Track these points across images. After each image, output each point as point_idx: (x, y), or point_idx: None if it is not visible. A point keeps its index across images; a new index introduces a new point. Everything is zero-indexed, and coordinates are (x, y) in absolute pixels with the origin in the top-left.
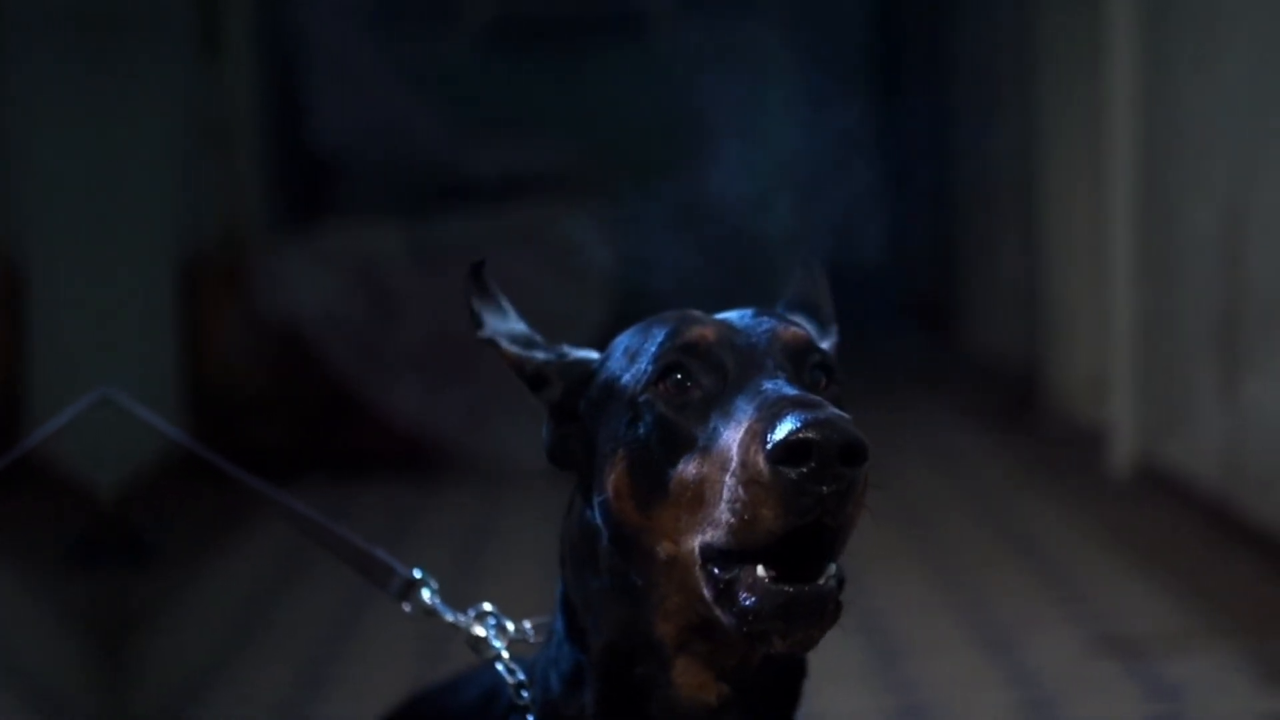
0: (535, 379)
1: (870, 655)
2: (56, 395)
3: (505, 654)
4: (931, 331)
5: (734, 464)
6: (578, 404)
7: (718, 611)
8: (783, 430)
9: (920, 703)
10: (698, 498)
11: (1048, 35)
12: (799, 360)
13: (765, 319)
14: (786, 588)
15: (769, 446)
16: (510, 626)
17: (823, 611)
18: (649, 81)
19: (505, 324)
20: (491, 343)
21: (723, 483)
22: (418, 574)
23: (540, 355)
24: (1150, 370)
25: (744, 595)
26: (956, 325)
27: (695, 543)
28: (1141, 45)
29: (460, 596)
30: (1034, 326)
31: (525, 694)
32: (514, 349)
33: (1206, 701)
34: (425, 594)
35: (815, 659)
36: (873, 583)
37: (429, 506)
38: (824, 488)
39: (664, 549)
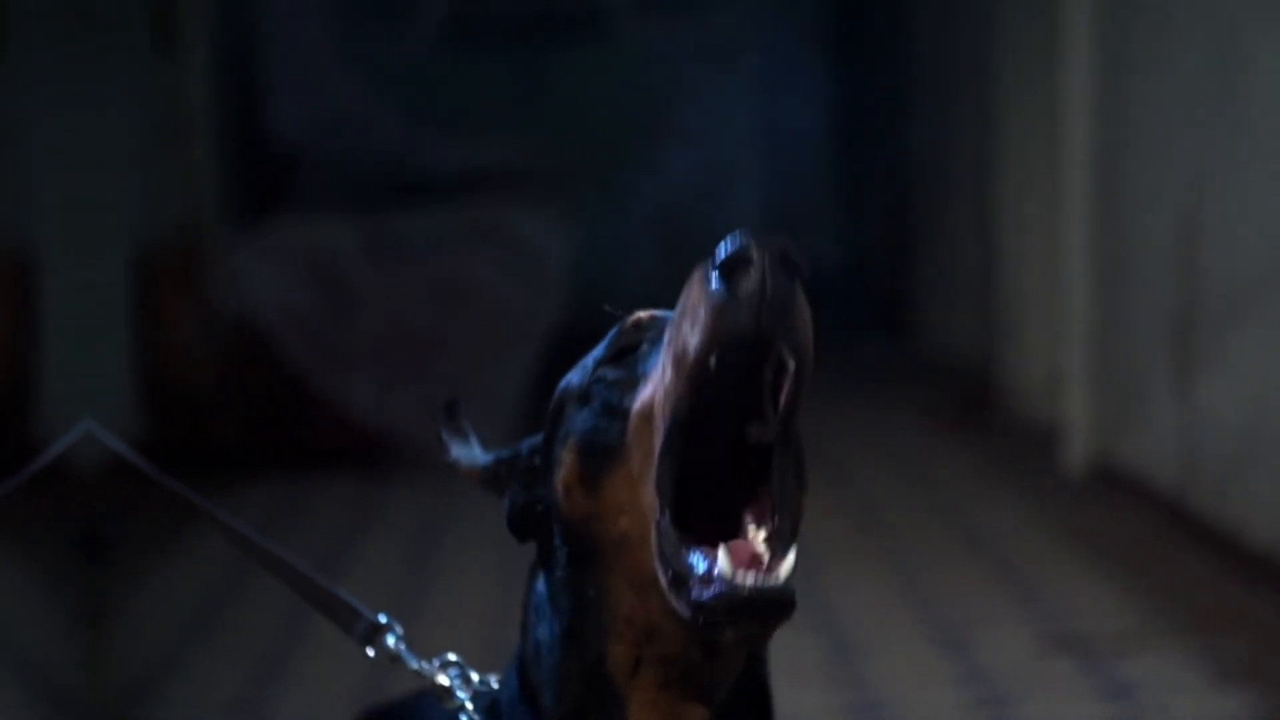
0: (493, 478)
1: (824, 652)
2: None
3: (469, 705)
4: (887, 330)
5: (668, 336)
6: (530, 465)
7: (671, 599)
8: (722, 250)
9: (873, 700)
10: (645, 418)
11: (1004, 36)
12: None
13: None
14: (741, 588)
15: (711, 272)
16: (475, 677)
17: (779, 613)
18: (607, 79)
19: (465, 448)
20: (455, 464)
21: (665, 373)
22: (383, 619)
23: (490, 458)
24: (1105, 369)
25: (698, 590)
26: (912, 324)
27: (650, 496)
28: (1097, 47)
29: (415, 592)
30: (989, 325)
31: None
32: (472, 464)
33: (1160, 700)
34: (390, 640)
35: (769, 654)
36: (827, 580)
37: (384, 502)
38: (769, 290)
39: (618, 526)
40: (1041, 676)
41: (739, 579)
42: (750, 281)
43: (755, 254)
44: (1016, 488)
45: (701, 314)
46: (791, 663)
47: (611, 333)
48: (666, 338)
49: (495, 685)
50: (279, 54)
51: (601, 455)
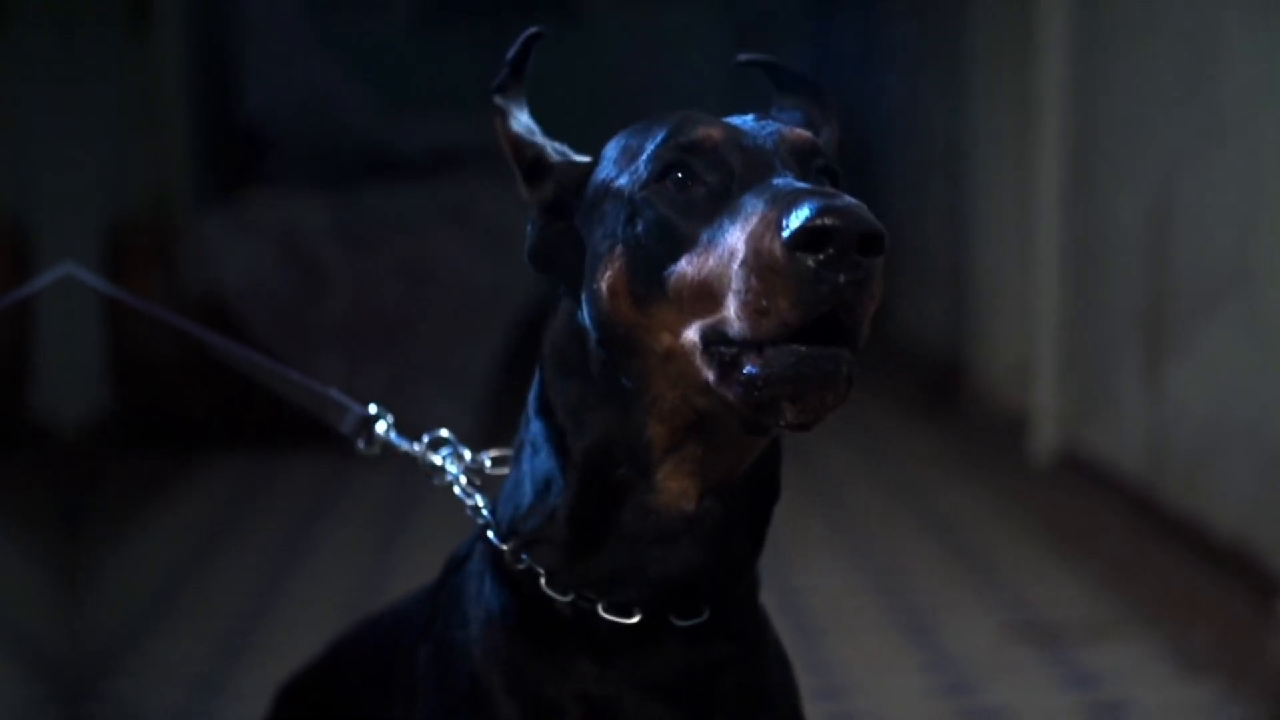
0: (533, 167)
1: (788, 635)
2: None
3: (462, 479)
4: None
5: (745, 253)
6: (570, 204)
7: (721, 391)
8: (801, 216)
9: (837, 684)
10: (702, 293)
11: (979, 25)
12: (805, 163)
13: (770, 122)
14: (798, 346)
15: (786, 233)
16: (467, 454)
17: (837, 375)
18: (579, 60)
19: (519, 108)
20: (500, 111)
21: (730, 274)
22: (372, 409)
23: (541, 140)
24: (1074, 358)
25: (750, 366)
26: (882, 311)
27: (696, 332)
28: (1072, 37)
29: (383, 568)
30: (959, 313)
31: (485, 513)
32: (518, 128)
33: (1124, 689)
34: (380, 427)
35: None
36: (792, 564)
37: (352, 479)
38: (842, 276)
39: (661, 341)
40: (1006, 664)
41: (792, 348)
42: (835, 264)
43: (839, 230)
44: (984, 476)
45: (784, 283)
46: None
47: (663, 131)
48: (738, 244)
49: (489, 462)
50: (252, 33)
51: (650, 283)
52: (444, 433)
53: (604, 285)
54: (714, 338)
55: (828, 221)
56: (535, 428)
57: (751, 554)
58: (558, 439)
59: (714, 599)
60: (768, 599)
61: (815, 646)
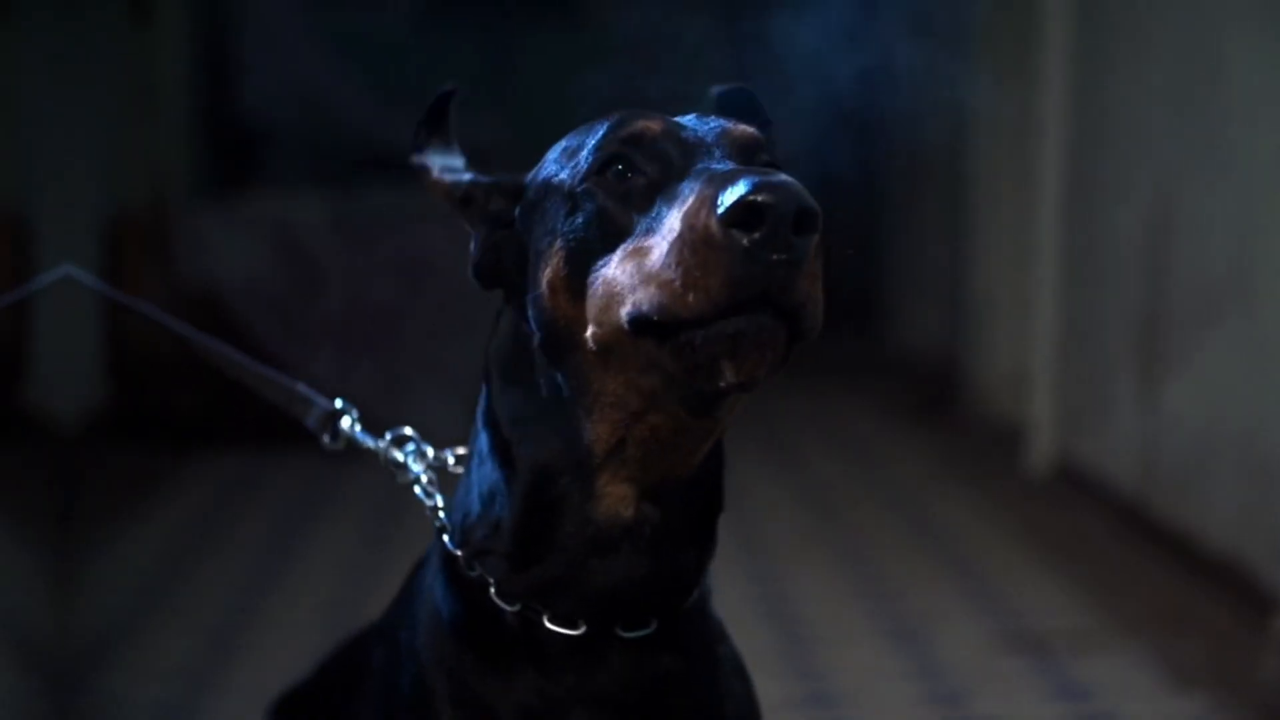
0: (464, 200)
1: (780, 643)
2: None
3: (424, 478)
4: (853, 324)
5: (680, 229)
6: (511, 212)
7: (662, 358)
8: (735, 192)
9: (828, 691)
10: (631, 268)
11: (980, 34)
12: (748, 157)
13: (712, 119)
14: (737, 316)
15: (720, 209)
16: (430, 452)
17: (773, 333)
18: (580, 60)
19: (444, 157)
20: (422, 168)
21: (665, 254)
22: (339, 404)
23: (469, 177)
24: (1070, 370)
25: (688, 334)
26: (879, 319)
27: (623, 313)
28: (1073, 48)
29: (375, 567)
30: (956, 322)
31: (443, 516)
32: (444, 176)
33: (1113, 701)
34: (345, 422)
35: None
36: (785, 571)
37: (345, 477)
38: (774, 255)
39: (599, 329)
40: (996, 674)
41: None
42: (768, 243)
43: (773, 206)
44: (978, 485)
45: (716, 258)
46: (746, 652)
47: (604, 127)
48: (675, 223)
49: (451, 459)
50: (252, 28)
51: (588, 274)
52: (407, 430)
53: (545, 282)
54: (640, 326)
55: (761, 198)
56: (482, 439)
57: (697, 565)
58: (502, 451)
59: (660, 610)
60: (757, 607)
61: (806, 654)
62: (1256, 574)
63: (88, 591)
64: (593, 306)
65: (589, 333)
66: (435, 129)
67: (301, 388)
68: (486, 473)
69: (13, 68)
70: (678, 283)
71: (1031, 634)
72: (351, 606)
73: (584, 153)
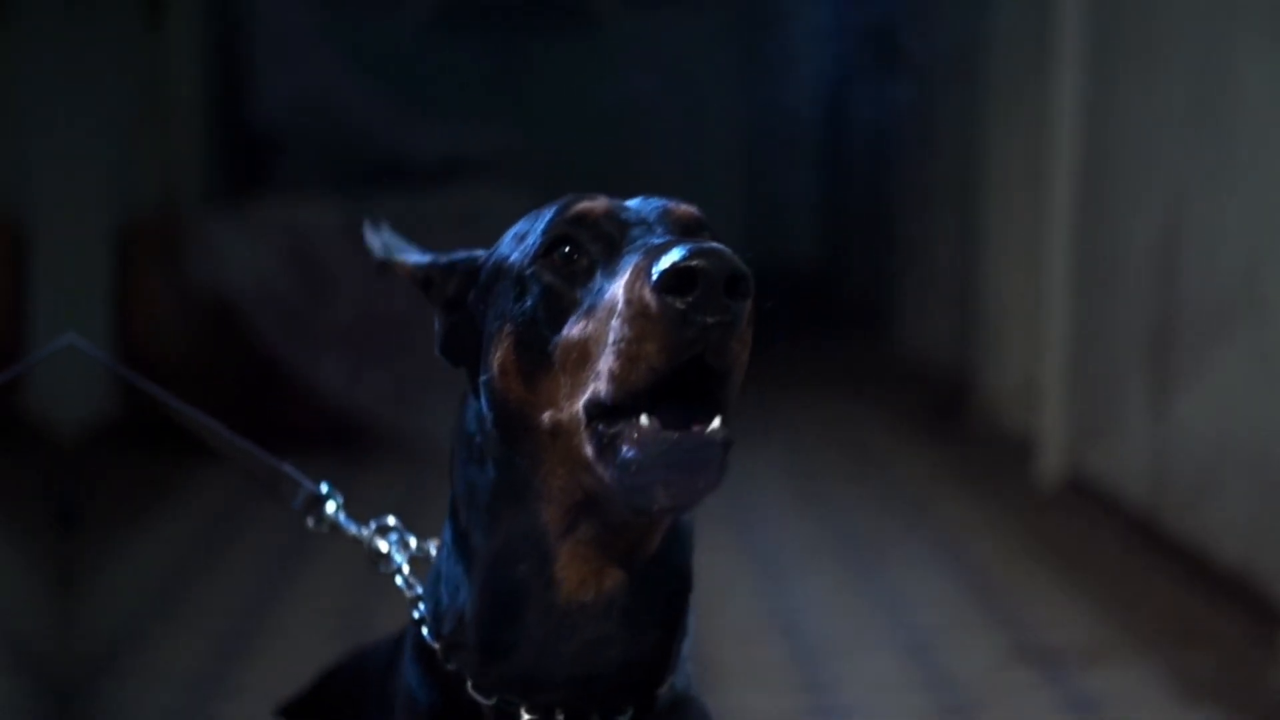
0: (426, 282)
1: (789, 655)
2: None
3: (405, 568)
4: (864, 333)
5: (619, 305)
6: (466, 294)
7: (600, 470)
8: (669, 259)
9: (837, 704)
10: (583, 356)
11: (994, 43)
12: (689, 234)
13: (655, 199)
14: (670, 433)
15: (654, 277)
16: (413, 543)
17: (708, 461)
18: (593, 69)
19: (401, 250)
20: (386, 262)
21: (608, 329)
22: (324, 488)
23: (428, 259)
24: (1081, 381)
25: (626, 448)
26: (890, 328)
27: (580, 402)
28: (1086, 58)
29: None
30: (967, 332)
31: (422, 607)
32: (406, 259)
33: (1123, 714)
34: (330, 508)
35: (734, 657)
36: (793, 582)
37: (355, 484)
38: (708, 319)
39: (548, 418)
40: (1006, 686)
41: (665, 435)
42: (701, 306)
43: (705, 271)
44: (988, 496)
45: (653, 327)
46: (755, 664)
47: (551, 211)
48: (615, 297)
49: (434, 549)
50: (266, 35)
51: (537, 357)
52: (390, 520)
53: (495, 365)
54: (594, 411)
55: (694, 263)
56: (446, 529)
57: (669, 647)
58: (461, 541)
59: (637, 698)
60: (767, 619)
61: (816, 666)
62: (1267, 587)
63: (97, 599)
64: (545, 392)
65: (542, 415)
66: (378, 236)
67: (287, 469)
68: (450, 565)
69: (26, 72)
70: (617, 362)
71: (1041, 646)
72: (360, 614)
73: (531, 237)
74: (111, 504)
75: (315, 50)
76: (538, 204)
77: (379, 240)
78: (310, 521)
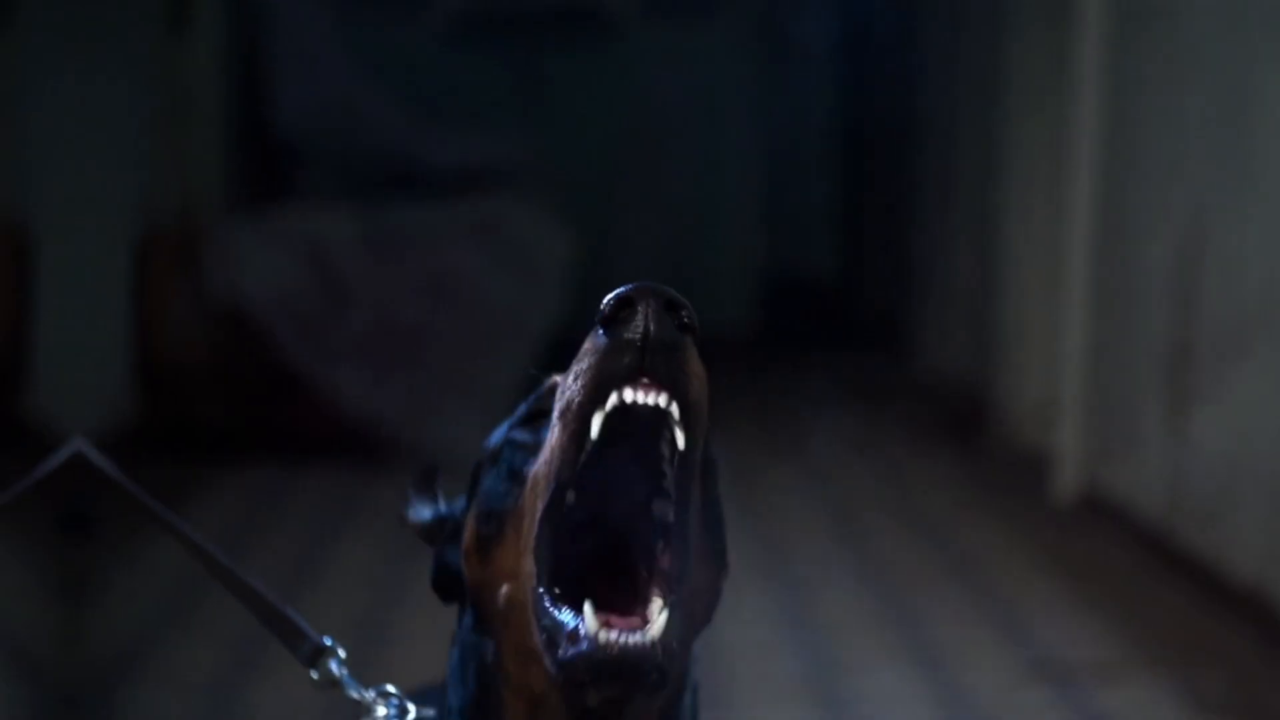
0: (429, 535)
1: (806, 670)
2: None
3: None
4: (882, 349)
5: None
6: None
7: (544, 658)
8: (608, 300)
9: (851, 718)
10: (535, 486)
11: (1012, 58)
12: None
13: None
14: (610, 644)
15: (598, 328)
16: (412, 712)
17: (637, 674)
18: (610, 79)
19: (419, 509)
20: (405, 519)
21: (553, 427)
22: (327, 642)
23: (431, 514)
24: (1099, 398)
25: (566, 649)
26: (907, 344)
27: (531, 543)
28: (1106, 74)
29: (397, 585)
30: (985, 349)
31: None
32: (418, 519)
33: None
34: (333, 664)
35: (752, 671)
36: (809, 597)
37: (370, 494)
38: (650, 337)
39: (503, 594)
40: (1020, 702)
41: (603, 637)
42: (634, 326)
43: (638, 301)
44: (1004, 512)
45: (586, 363)
46: (772, 680)
47: (531, 396)
48: (558, 397)
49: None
50: (285, 43)
51: (495, 521)
52: (390, 688)
53: (463, 551)
54: (542, 553)
55: (629, 292)
56: None
57: None
58: None
59: None
60: (783, 631)
61: (832, 680)
62: None
63: (111, 605)
64: (498, 561)
65: (495, 596)
66: (423, 493)
67: (292, 613)
68: None
69: (47, 80)
70: (560, 420)
71: (1056, 663)
72: (378, 621)
73: (508, 423)
74: (129, 510)
75: (336, 60)
76: (555, 214)
77: (417, 499)
78: (314, 674)
